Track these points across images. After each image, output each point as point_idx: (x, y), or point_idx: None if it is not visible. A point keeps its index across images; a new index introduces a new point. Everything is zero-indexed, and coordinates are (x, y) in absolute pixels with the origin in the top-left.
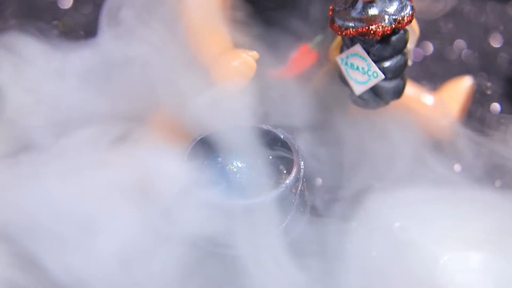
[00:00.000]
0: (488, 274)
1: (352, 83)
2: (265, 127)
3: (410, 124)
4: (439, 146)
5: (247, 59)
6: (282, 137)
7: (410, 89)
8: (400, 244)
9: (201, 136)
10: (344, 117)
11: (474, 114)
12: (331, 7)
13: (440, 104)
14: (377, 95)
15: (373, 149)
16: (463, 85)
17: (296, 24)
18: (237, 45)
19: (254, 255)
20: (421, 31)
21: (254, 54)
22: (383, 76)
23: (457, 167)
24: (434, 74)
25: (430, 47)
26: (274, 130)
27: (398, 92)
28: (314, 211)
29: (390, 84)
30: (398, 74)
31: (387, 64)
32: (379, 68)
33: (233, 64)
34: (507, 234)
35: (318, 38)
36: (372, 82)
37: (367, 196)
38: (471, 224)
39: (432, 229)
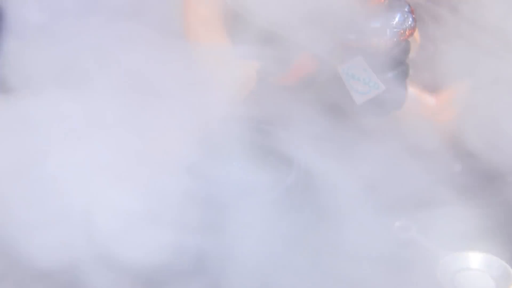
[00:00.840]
0: (488, 274)
1: (353, 93)
2: (265, 127)
3: (410, 124)
4: (439, 146)
5: (248, 69)
6: (282, 137)
7: (411, 90)
8: (400, 244)
9: (201, 136)
10: (345, 119)
11: None
12: (332, 19)
13: (441, 105)
14: (378, 105)
15: (374, 150)
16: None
17: (297, 31)
18: (237, 54)
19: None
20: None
21: (255, 64)
22: (384, 87)
23: (457, 168)
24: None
25: None
26: (275, 130)
27: (399, 103)
28: (314, 211)
29: (391, 95)
30: (399, 85)
31: (388, 75)
32: (380, 79)
33: (234, 74)
34: (507, 233)
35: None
36: (373, 93)
37: (367, 196)
38: (471, 224)
39: (432, 229)
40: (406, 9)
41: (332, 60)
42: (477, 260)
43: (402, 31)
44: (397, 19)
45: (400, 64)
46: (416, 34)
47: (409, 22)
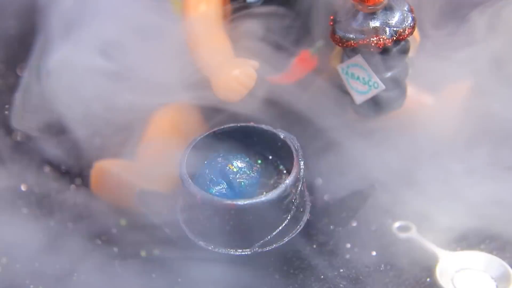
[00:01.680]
0: (488, 274)
1: (352, 92)
2: (265, 127)
3: (410, 124)
4: (439, 146)
5: (247, 68)
6: (282, 137)
7: (410, 89)
8: (400, 244)
9: (201, 136)
10: (343, 119)
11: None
12: (331, 18)
13: (440, 105)
14: (377, 105)
15: (373, 150)
16: (463, 86)
17: (296, 30)
18: (237, 54)
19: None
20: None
21: (255, 63)
22: (383, 87)
23: (456, 167)
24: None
25: None
26: (274, 130)
27: (399, 102)
28: (314, 211)
29: (391, 94)
30: (399, 84)
31: (388, 74)
32: (380, 79)
33: (233, 74)
34: (507, 233)
35: (319, 43)
36: (373, 92)
37: (367, 196)
38: (471, 224)
39: (432, 229)
40: (405, 8)
41: (331, 59)
42: (477, 260)
43: (401, 30)
44: (396, 18)
45: (400, 63)
46: (416, 33)
47: (409, 21)
